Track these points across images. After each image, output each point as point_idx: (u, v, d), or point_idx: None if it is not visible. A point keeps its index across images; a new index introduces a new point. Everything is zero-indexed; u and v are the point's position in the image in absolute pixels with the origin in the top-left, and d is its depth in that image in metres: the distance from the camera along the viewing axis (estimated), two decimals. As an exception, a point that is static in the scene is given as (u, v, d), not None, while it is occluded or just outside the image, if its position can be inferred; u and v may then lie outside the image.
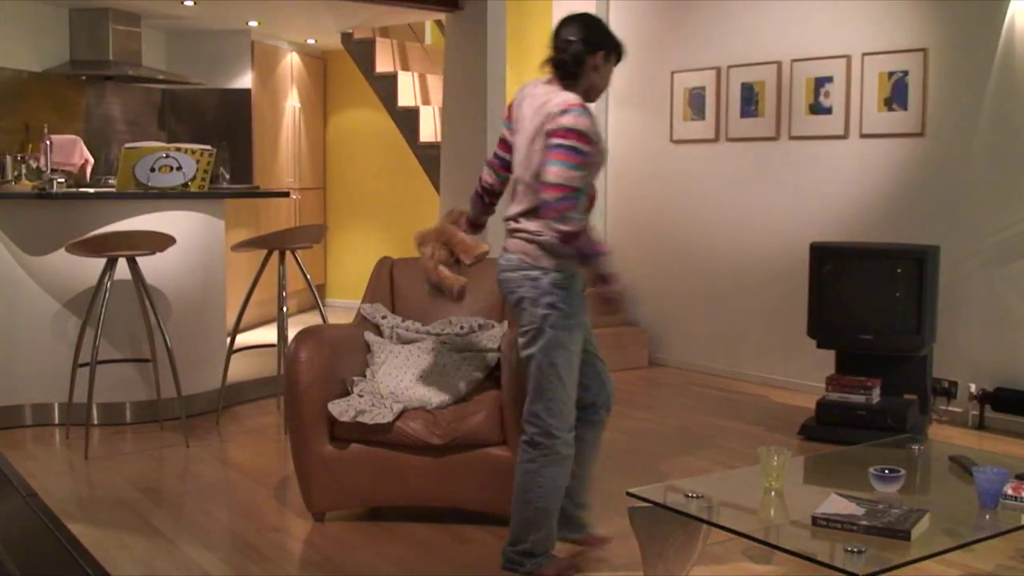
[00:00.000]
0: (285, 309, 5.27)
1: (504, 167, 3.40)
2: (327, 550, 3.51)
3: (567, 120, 3.03)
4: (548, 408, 3.16)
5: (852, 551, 2.38)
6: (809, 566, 2.50)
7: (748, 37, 6.24)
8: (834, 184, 5.81)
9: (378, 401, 3.64)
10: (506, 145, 3.36)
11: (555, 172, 3.01)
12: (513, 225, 3.23)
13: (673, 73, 6.67)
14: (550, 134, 3.05)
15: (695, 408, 5.62)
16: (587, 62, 3.16)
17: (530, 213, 3.16)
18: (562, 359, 3.15)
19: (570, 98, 3.09)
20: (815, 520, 2.61)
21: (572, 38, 3.16)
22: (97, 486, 4.26)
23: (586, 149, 3.03)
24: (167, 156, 5.04)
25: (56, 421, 5.09)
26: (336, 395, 3.70)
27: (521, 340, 3.19)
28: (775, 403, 5.76)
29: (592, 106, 3.17)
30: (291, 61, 8.49)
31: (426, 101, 8.02)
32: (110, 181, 6.17)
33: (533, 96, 3.20)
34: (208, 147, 5.22)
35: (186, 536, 3.63)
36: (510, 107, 3.33)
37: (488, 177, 3.49)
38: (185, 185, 5.11)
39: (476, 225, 3.61)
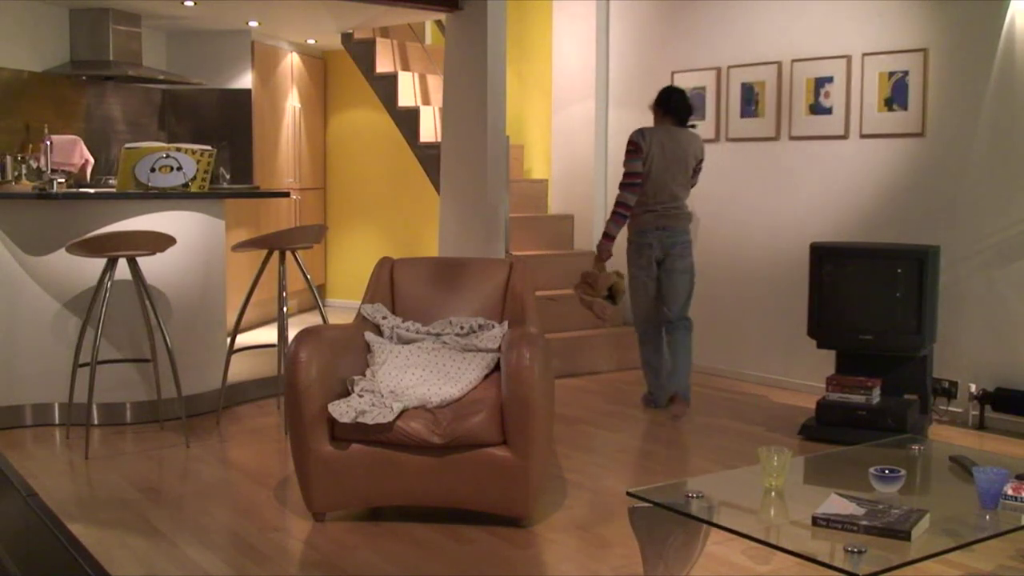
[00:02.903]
0: (285, 309, 5.27)
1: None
2: (327, 550, 3.51)
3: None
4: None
5: (852, 551, 2.39)
6: (809, 566, 2.50)
7: (748, 37, 6.25)
8: (834, 184, 5.81)
9: (378, 401, 3.64)
10: (642, 174, 5.25)
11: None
12: (675, 212, 5.35)
13: (673, 73, 6.67)
14: (701, 161, 5.47)
15: (695, 408, 5.62)
16: None
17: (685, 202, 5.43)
18: None
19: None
20: (815, 520, 2.61)
21: (686, 101, 5.46)
22: (97, 486, 4.27)
23: None
24: (167, 156, 5.04)
25: (56, 421, 5.09)
26: (336, 395, 3.70)
27: (684, 266, 5.36)
28: (775, 403, 5.76)
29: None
30: (291, 61, 8.49)
31: (426, 101, 8.03)
32: (110, 181, 6.18)
33: (675, 140, 5.34)
34: (208, 147, 5.21)
35: (186, 536, 3.63)
36: (639, 146, 5.25)
37: (633, 201, 5.26)
38: (185, 185, 5.11)
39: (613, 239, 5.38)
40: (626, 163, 5.31)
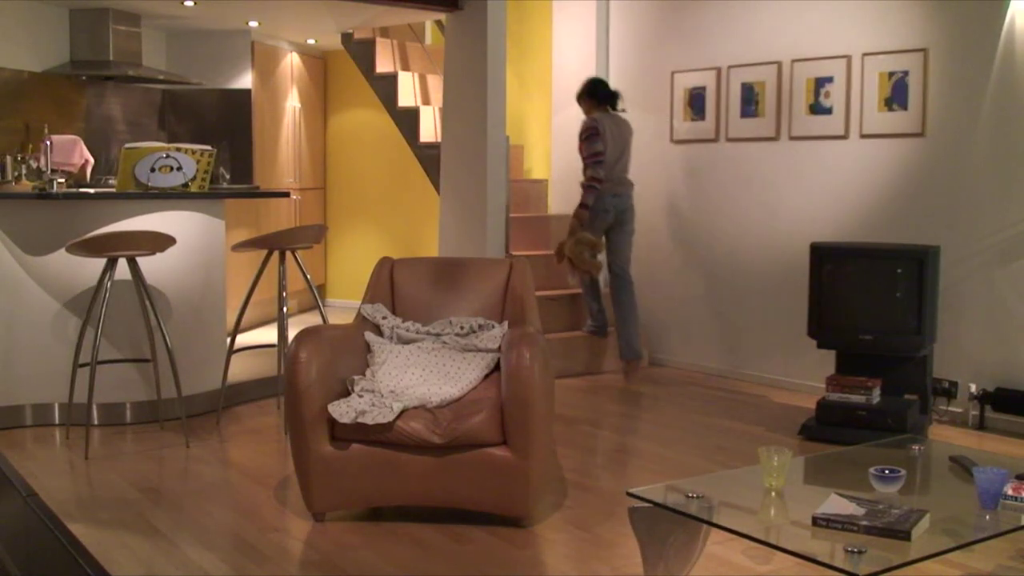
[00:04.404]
0: (285, 309, 5.27)
1: None
2: (327, 550, 3.51)
3: None
4: None
5: (852, 551, 2.39)
6: (809, 566, 2.50)
7: (748, 37, 6.24)
8: (834, 184, 5.81)
9: (378, 401, 3.64)
10: (603, 152, 6.09)
11: None
12: (625, 180, 6.27)
13: (673, 73, 6.67)
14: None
15: (695, 408, 5.62)
16: None
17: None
18: None
19: None
20: (815, 520, 2.61)
21: (611, 88, 6.32)
22: (97, 486, 4.27)
23: None
24: (167, 156, 5.04)
25: (56, 421, 5.09)
26: (336, 395, 3.70)
27: (632, 227, 6.34)
28: (775, 403, 5.76)
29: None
30: (291, 61, 8.49)
31: (426, 101, 8.02)
32: (110, 181, 6.18)
33: (617, 123, 6.22)
34: (208, 147, 5.21)
35: (186, 536, 3.63)
36: (598, 130, 6.08)
37: (603, 175, 6.09)
38: (185, 185, 5.11)
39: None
40: (590, 146, 6.11)
